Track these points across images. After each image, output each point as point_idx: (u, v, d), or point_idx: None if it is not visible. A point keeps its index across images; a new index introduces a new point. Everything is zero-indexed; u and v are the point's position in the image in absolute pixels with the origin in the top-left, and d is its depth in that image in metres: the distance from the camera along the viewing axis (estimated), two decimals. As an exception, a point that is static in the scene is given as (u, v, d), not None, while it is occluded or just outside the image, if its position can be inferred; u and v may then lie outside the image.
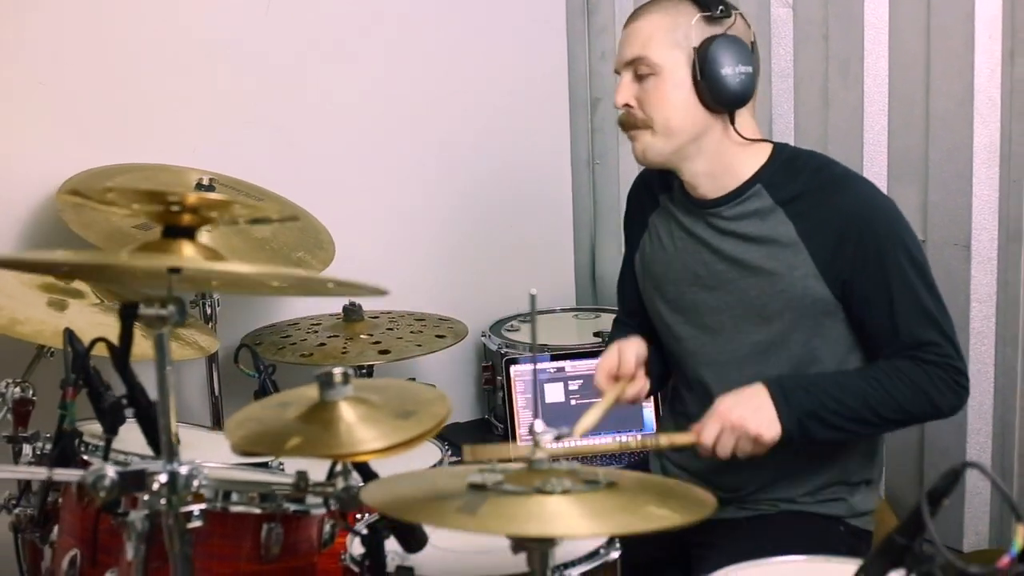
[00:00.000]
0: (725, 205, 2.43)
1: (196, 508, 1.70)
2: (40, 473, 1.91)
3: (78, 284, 2.64)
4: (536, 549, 1.66)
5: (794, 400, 2.27)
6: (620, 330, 2.71)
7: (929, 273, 2.36)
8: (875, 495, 2.56)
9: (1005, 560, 1.65)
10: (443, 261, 3.76)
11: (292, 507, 2.00)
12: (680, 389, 2.65)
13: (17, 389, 2.55)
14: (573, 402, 3.38)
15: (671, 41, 2.35)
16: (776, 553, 2.04)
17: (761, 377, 2.36)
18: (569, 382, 3.39)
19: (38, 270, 2.12)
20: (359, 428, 1.75)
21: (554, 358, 3.40)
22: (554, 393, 3.38)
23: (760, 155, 2.43)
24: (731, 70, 2.31)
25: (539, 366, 3.38)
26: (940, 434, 2.98)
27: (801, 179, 2.39)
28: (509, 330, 3.65)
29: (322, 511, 2.06)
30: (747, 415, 2.23)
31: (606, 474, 1.66)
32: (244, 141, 3.36)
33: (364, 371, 3.12)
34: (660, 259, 2.58)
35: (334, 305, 3.25)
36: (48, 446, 2.37)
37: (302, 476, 1.82)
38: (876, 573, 1.74)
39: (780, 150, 2.45)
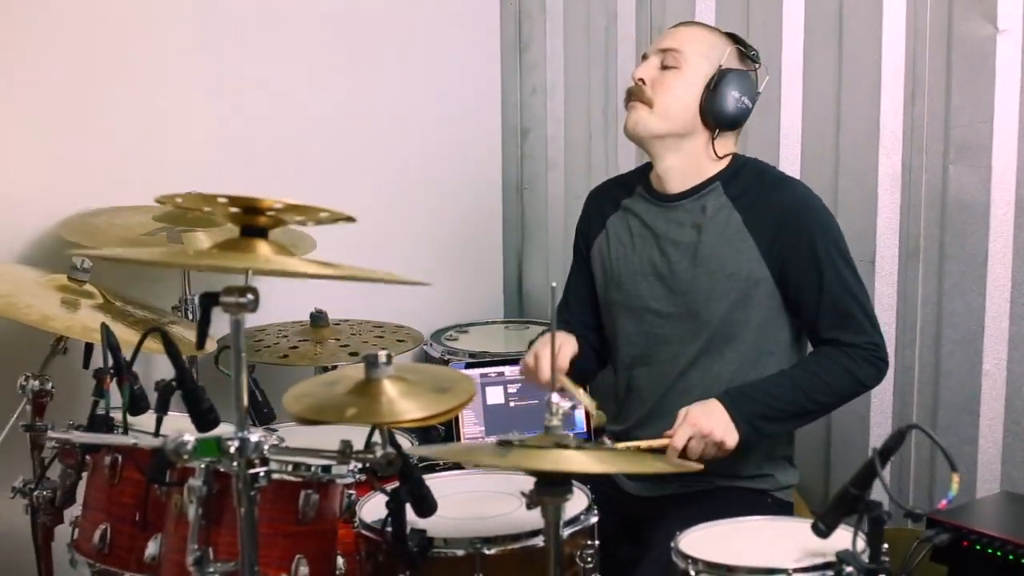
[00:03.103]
0: (687, 199, 2.82)
1: (262, 471, 1.97)
2: (126, 440, 2.15)
3: (88, 287, 2.88)
4: (550, 503, 1.99)
5: (744, 407, 2.64)
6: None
7: (851, 260, 2.78)
8: (794, 471, 2.93)
9: (943, 503, 2.02)
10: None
11: (325, 476, 2.28)
12: (621, 380, 2.99)
13: (36, 382, 2.74)
14: (512, 404, 3.69)
15: (706, 52, 2.78)
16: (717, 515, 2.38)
17: (702, 350, 2.79)
18: (508, 386, 3.69)
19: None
20: (401, 401, 2.06)
21: (494, 364, 3.71)
22: (494, 396, 3.69)
23: (723, 162, 2.84)
24: (736, 96, 2.74)
25: (480, 371, 3.69)
26: (845, 427, 3.37)
27: (748, 178, 2.81)
28: (449, 339, 3.95)
29: (347, 481, 2.35)
30: (714, 424, 2.59)
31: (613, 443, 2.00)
32: (200, 172, 3.53)
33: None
34: (619, 254, 2.93)
35: (298, 313, 3.51)
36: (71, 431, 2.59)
37: (347, 444, 2.10)
38: (833, 520, 2.10)
39: (737, 158, 2.86)
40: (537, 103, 4.29)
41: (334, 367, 3.38)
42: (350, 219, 2.02)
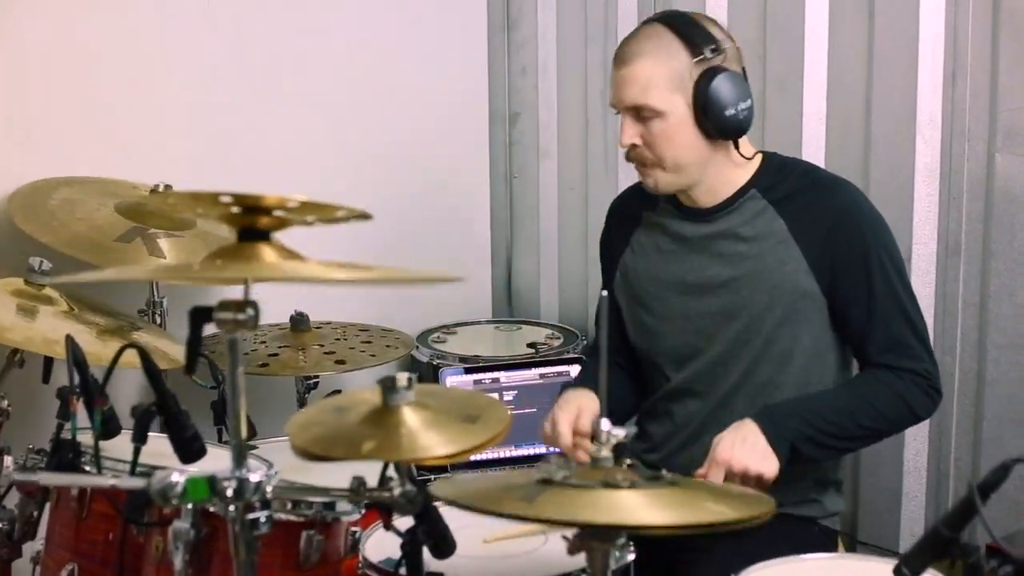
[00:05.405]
0: (723, 211, 2.54)
1: (263, 515, 1.69)
2: (104, 481, 1.85)
3: (48, 291, 2.58)
4: (599, 549, 1.71)
5: (784, 429, 2.36)
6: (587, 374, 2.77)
7: (907, 277, 2.52)
8: (841, 497, 2.67)
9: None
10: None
11: (330, 514, 2.00)
12: (657, 407, 2.71)
13: (-9, 400, 2.48)
14: (506, 407, 3.42)
15: (670, 86, 2.42)
16: (763, 554, 2.11)
17: (744, 374, 2.51)
18: (504, 392, 3.42)
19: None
20: (424, 434, 1.76)
21: (488, 369, 3.43)
22: (490, 404, 3.42)
23: (753, 163, 2.55)
24: (733, 109, 2.41)
25: (472, 377, 3.42)
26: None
27: (791, 180, 2.53)
28: (436, 341, 3.68)
29: (353, 518, 2.07)
30: (746, 457, 2.30)
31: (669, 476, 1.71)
32: (175, 153, 3.31)
33: (312, 382, 3.13)
34: (646, 271, 2.65)
35: (275, 315, 3.21)
36: (31, 458, 2.31)
37: (360, 481, 1.81)
38: (921, 565, 1.83)
39: (771, 158, 2.57)
40: (527, 85, 4.04)
41: (316, 378, 3.13)
42: (365, 216, 1.74)
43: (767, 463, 2.31)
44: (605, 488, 1.61)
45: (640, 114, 2.45)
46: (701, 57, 2.42)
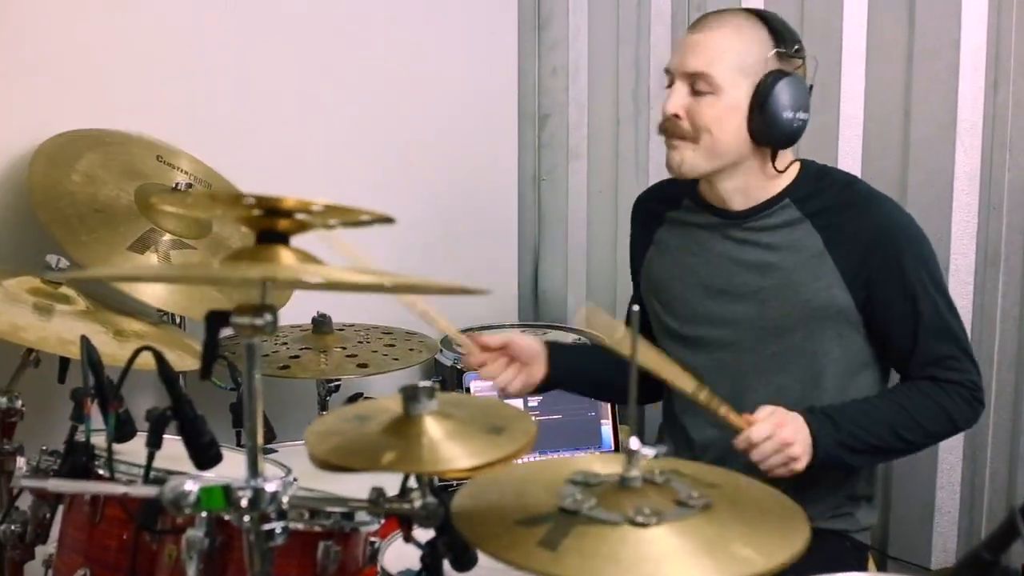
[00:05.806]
0: (752, 217, 2.46)
1: (279, 526, 1.63)
2: (115, 489, 1.79)
3: (65, 289, 2.53)
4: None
5: (825, 432, 2.29)
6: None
7: (947, 290, 2.43)
8: (874, 511, 2.60)
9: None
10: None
11: (348, 524, 1.95)
12: (678, 414, 2.64)
13: (4, 399, 2.43)
14: (532, 418, 3.35)
15: (739, 65, 2.34)
16: (792, 568, 2.04)
17: (774, 390, 2.42)
18: (529, 398, 3.36)
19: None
20: (446, 445, 1.70)
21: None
22: (514, 409, 3.37)
23: (790, 173, 2.46)
24: (791, 114, 2.33)
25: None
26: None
27: (829, 193, 2.44)
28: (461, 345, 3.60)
29: (372, 528, 2.01)
30: (796, 436, 2.24)
31: (701, 491, 1.63)
32: (199, 133, 3.25)
33: (334, 385, 3.07)
34: (669, 273, 2.59)
35: (298, 316, 3.16)
36: (44, 459, 2.26)
37: (380, 492, 1.76)
38: (959, 590, 1.76)
39: (808, 167, 2.49)
40: (558, 86, 3.98)
41: (338, 381, 3.08)
42: (388, 220, 1.68)
43: (805, 453, 2.25)
44: (630, 526, 1.51)
45: (695, 86, 2.37)
46: (782, 51, 2.36)
